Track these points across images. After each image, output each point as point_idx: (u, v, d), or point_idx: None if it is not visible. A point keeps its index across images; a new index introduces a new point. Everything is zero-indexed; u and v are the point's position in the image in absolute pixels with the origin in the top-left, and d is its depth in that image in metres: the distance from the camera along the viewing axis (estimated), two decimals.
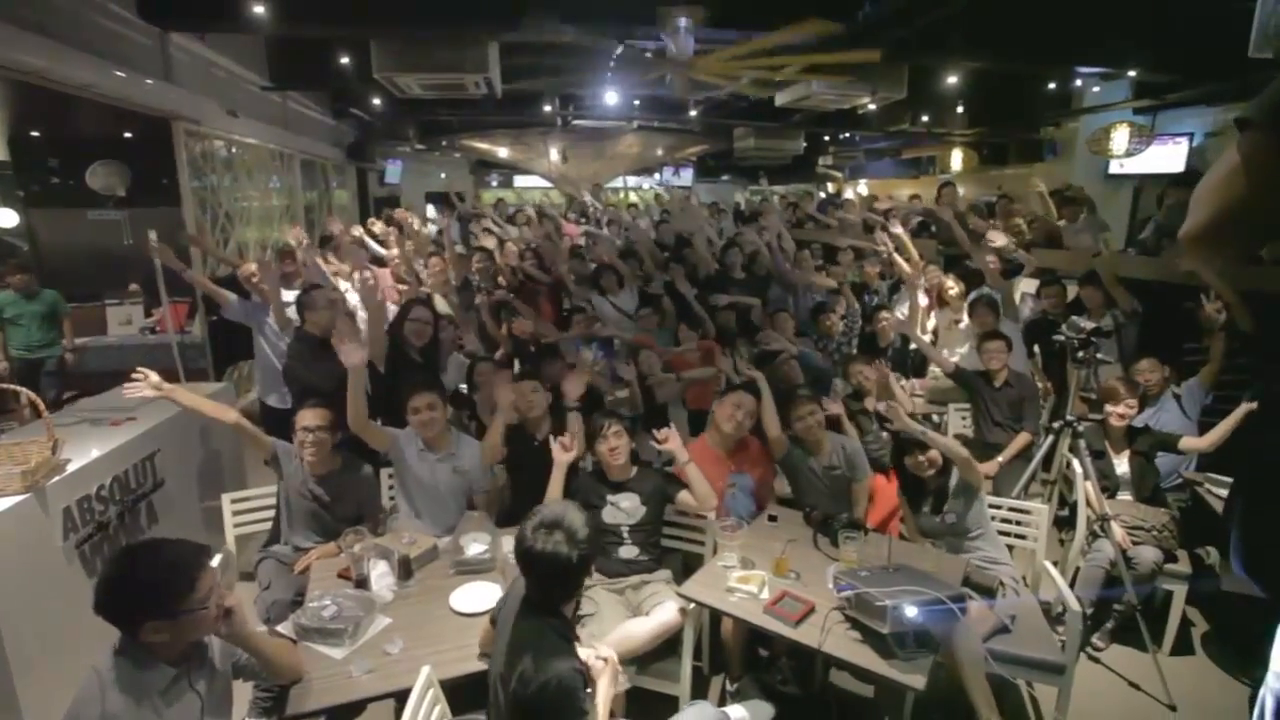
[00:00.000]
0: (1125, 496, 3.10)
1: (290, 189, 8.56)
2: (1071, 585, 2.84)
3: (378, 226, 6.74)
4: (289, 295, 4.41)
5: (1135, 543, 2.88)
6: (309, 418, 2.57)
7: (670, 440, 2.58)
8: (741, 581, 2.18)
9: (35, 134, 6.68)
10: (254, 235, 7.22)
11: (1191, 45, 5.66)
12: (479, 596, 2.16)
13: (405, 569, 2.26)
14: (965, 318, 4.63)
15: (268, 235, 7.66)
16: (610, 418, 2.65)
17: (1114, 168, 8.77)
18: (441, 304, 5.25)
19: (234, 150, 6.82)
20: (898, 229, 5.21)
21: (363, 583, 2.19)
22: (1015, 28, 5.34)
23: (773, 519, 2.69)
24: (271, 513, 2.78)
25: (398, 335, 3.30)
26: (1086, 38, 5.49)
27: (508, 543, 2.41)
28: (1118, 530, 2.82)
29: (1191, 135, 8.26)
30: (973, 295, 4.79)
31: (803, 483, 2.94)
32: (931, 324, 4.83)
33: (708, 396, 4.21)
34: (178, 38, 5.56)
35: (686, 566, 2.77)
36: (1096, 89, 7.74)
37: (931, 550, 2.51)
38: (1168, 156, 8.34)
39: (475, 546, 2.35)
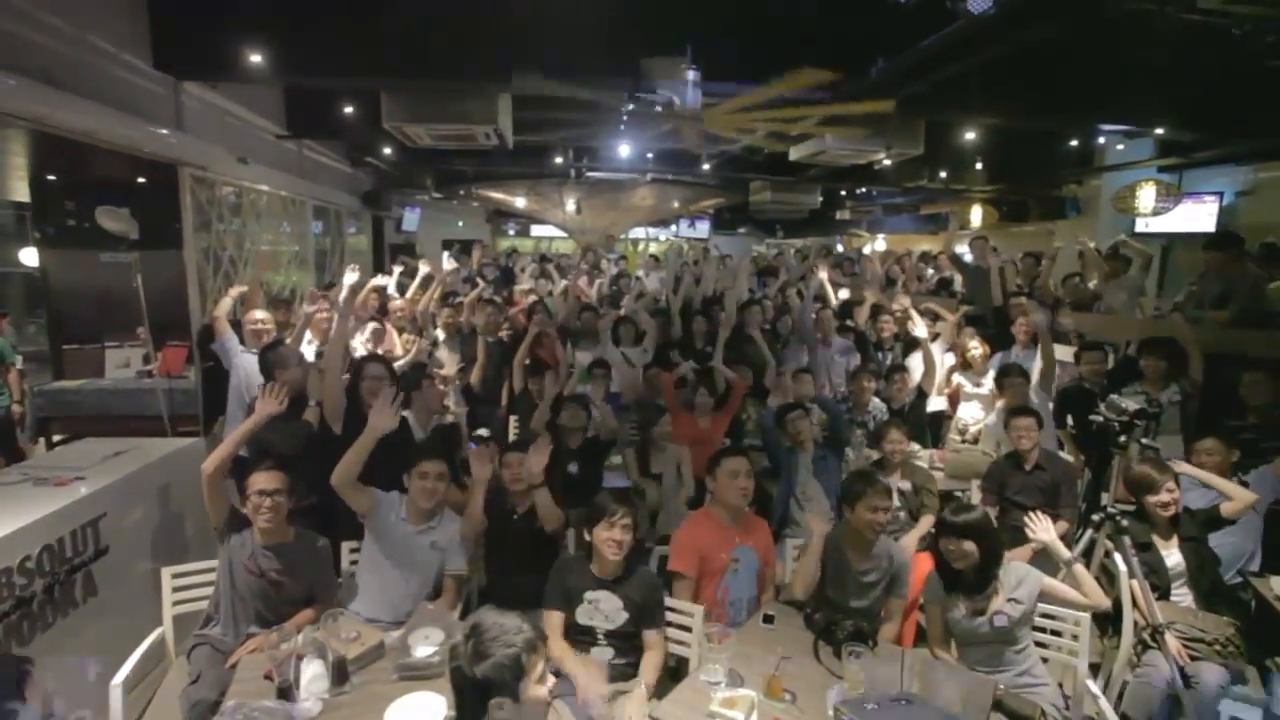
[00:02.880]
0: (1179, 592, 2.71)
1: (302, 235, 8.59)
2: (1116, 705, 2.47)
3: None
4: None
5: (1194, 657, 2.49)
6: (264, 480, 2.35)
7: None
8: (725, 705, 1.85)
9: (52, 177, 6.77)
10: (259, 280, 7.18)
11: (1220, 103, 5.48)
12: (418, 713, 1.85)
13: (341, 672, 1.97)
14: (987, 382, 4.33)
15: (274, 280, 7.63)
16: (623, 505, 2.31)
17: (1139, 226, 8.50)
18: (442, 360, 5.08)
19: (244, 196, 6.84)
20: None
21: (286, 689, 1.89)
22: (1035, 84, 5.19)
23: (768, 620, 2.35)
24: None
25: (354, 395, 3.06)
26: (1110, 95, 5.32)
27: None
28: (1173, 643, 2.44)
29: (1221, 194, 7.99)
30: (998, 359, 4.51)
31: (830, 572, 2.55)
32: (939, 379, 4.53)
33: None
34: (191, 86, 5.62)
35: (671, 668, 2.44)
36: (1121, 146, 7.55)
37: (954, 667, 2.16)
38: (1197, 216, 8.07)
39: (424, 647, 2.05)
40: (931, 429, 4.52)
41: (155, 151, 5.12)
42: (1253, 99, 5.24)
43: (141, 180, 6.42)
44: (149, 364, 6.37)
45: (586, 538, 2.32)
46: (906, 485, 3.30)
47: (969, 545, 2.26)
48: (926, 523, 3.26)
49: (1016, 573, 2.29)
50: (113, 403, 6.00)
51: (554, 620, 2.27)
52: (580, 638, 2.26)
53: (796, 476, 3.37)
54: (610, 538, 2.25)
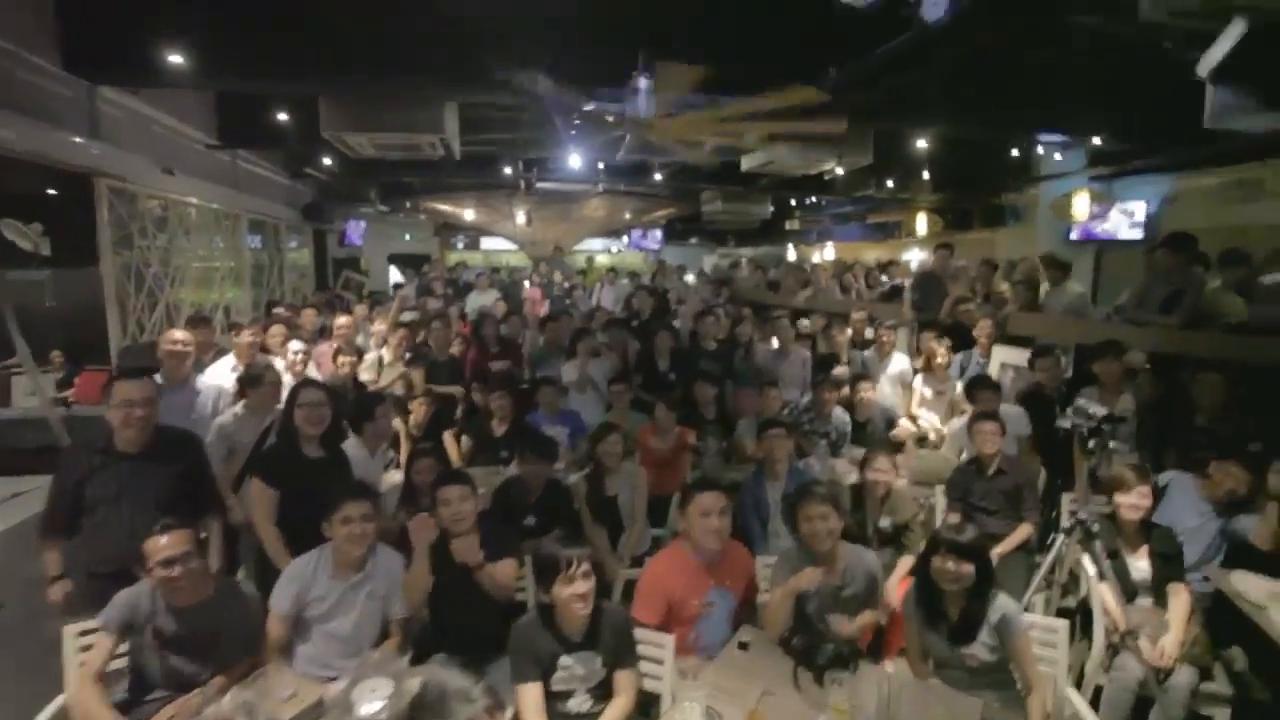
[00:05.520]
0: (1145, 602, 2.72)
1: (238, 250, 8.14)
2: (1093, 704, 2.44)
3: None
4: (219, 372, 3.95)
5: None
6: (165, 547, 2.02)
7: None
8: None
9: None
10: (189, 297, 6.75)
11: (1149, 115, 5.73)
12: None
13: None
14: (948, 389, 4.36)
15: (206, 298, 7.19)
16: (574, 548, 2.01)
17: (1075, 233, 8.88)
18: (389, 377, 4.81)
19: (171, 210, 6.42)
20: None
21: None
22: (981, 95, 5.32)
23: (743, 646, 2.22)
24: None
25: (289, 429, 2.77)
26: (1053, 106, 5.49)
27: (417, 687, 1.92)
28: (1146, 647, 2.43)
29: (1148, 202, 8.41)
30: (956, 363, 4.55)
31: (804, 600, 2.34)
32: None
33: (671, 481, 3.80)
34: (109, 92, 5.23)
35: (642, 703, 2.28)
36: (1058, 156, 7.87)
37: (939, 688, 2.07)
38: (1126, 223, 8.48)
39: (370, 702, 1.83)
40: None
41: (65, 160, 4.73)
42: (1176, 112, 5.50)
43: (52, 191, 5.95)
44: (64, 390, 5.89)
45: (545, 599, 2.04)
46: (886, 523, 3.05)
47: (967, 567, 2.11)
48: (905, 564, 2.98)
49: (1001, 610, 2.14)
50: (20, 435, 5.49)
51: (531, 696, 1.97)
52: (557, 699, 2.04)
53: (769, 512, 3.18)
54: (574, 593, 1.96)
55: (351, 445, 3.15)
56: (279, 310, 6.47)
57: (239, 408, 3.27)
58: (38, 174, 5.16)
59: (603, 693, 2.06)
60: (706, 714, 1.87)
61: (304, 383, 2.96)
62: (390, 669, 1.98)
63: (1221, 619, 2.77)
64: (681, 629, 2.24)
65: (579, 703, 2.04)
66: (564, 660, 2.02)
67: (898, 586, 2.78)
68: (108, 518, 2.40)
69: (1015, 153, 8.44)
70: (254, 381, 3.27)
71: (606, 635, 2.05)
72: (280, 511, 2.61)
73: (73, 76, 4.67)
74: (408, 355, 4.92)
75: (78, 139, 4.77)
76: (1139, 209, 8.37)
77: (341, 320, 5.23)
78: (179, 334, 3.62)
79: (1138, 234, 8.31)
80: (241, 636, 2.21)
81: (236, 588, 2.26)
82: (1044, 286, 5.36)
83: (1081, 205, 7.81)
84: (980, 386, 3.80)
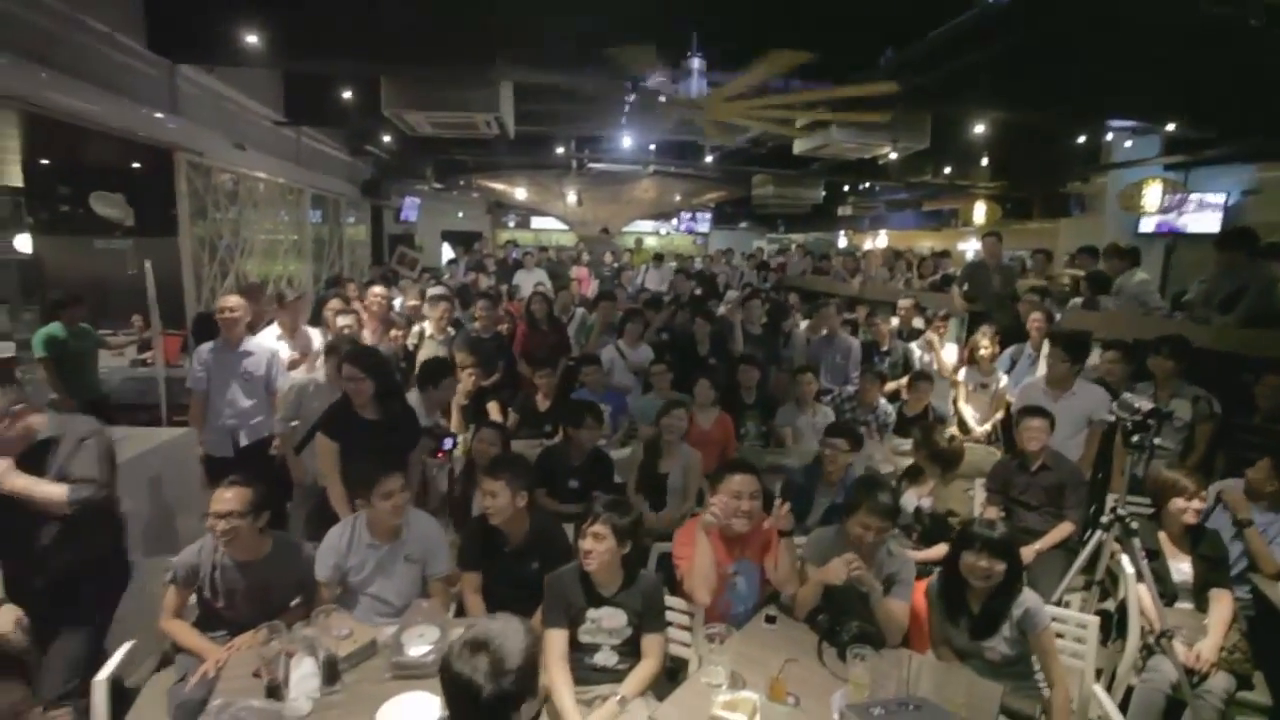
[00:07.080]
0: (1183, 605, 2.67)
1: (300, 224, 8.51)
2: (1122, 707, 2.43)
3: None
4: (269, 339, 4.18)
5: None
6: (224, 500, 2.20)
7: None
8: (728, 708, 1.80)
9: (46, 161, 6.67)
10: (255, 268, 7.11)
11: (1229, 100, 5.41)
12: (412, 713, 1.80)
13: (332, 671, 1.91)
14: (993, 381, 4.29)
15: (270, 269, 7.57)
16: (608, 510, 2.13)
17: (1145, 225, 8.44)
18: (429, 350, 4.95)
19: (241, 184, 6.76)
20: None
21: (275, 688, 1.84)
22: (1044, 77, 5.12)
23: (770, 620, 2.30)
24: None
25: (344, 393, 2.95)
26: (1122, 88, 5.24)
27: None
28: (1181, 649, 2.40)
29: (1227, 194, 7.93)
30: (1006, 356, 4.46)
31: (831, 587, 2.35)
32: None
33: (715, 463, 3.86)
34: (187, 70, 5.53)
35: (670, 669, 2.39)
36: (1129, 143, 7.47)
37: (959, 671, 2.11)
38: (1203, 215, 8.01)
39: (418, 645, 2.00)
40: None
41: (150, 136, 5.05)
42: (1261, 96, 5.17)
43: (136, 165, 6.34)
44: (144, 352, 6.31)
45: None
46: (928, 503, 3.10)
47: (1000, 565, 2.10)
48: (937, 552, 2.99)
49: (1024, 605, 2.14)
50: (109, 392, 5.93)
51: (557, 642, 2.09)
52: (583, 652, 2.16)
53: (812, 509, 3.19)
54: (582, 547, 2.11)
55: (415, 400, 3.36)
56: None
57: (320, 375, 3.47)
58: (123, 148, 5.52)
59: (628, 651, 2.17)
60: (731, 677, 1.96)
61: (346, 357, 3.00)
62: (437, 619, 2.15)
63: (1269, 630, 2.70)
64: (713, 596, 2.34)
65: (605, 657, 2.15)
66: (591, 613, 2.15)
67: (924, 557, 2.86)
68: None
69: (1082, 139, 8.05)
70: (331, 353, 3.47)
71: (635, 596, 2.16)
72: (341, 467, 2.81)
73: (157, 56, 4.97)
74: (450, 329, 5.06)
75: (159, 115, 5.08)
76: (1217, 201, 7.91)
77: (376, 290, 5.25)
78: (231, 300, 3.81)
79: (1214, 227, 7.86)
80: (296, 590, 2.41)
81: (292, 545, 2.45)
82: (1116, 281, 5.14)
83: (1153, 196, 7.42)
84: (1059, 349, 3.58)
